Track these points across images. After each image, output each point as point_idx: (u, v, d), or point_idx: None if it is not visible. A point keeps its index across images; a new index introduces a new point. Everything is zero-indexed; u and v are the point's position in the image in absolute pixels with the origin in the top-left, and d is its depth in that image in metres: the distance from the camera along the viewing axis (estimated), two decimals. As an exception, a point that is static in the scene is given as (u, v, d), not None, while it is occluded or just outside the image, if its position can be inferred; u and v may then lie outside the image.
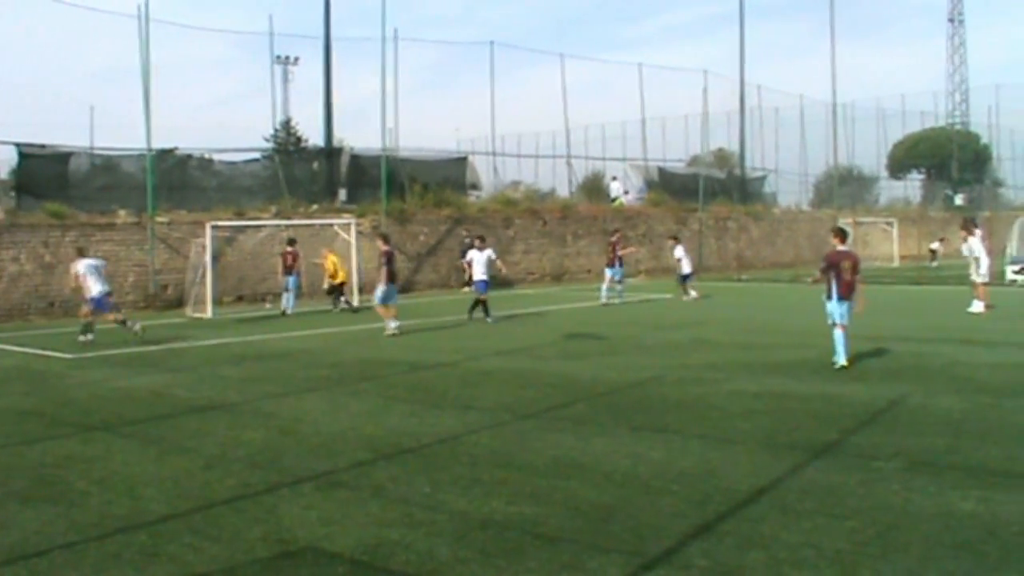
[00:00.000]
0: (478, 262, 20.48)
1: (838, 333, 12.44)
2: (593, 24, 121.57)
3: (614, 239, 25.71)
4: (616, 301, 24.33)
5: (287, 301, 23.83)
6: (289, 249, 24.40)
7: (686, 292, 25.81)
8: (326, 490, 7.08)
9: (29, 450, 8.69)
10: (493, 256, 20.91)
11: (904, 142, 65.63)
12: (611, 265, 24.71)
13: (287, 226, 26.88)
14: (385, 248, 18.53)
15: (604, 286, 24.63)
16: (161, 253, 25.55)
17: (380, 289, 18.09)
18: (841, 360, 12.34)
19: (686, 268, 26.44)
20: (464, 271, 26.37)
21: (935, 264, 42.23)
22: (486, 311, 19.96)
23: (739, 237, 42.53)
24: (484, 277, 20.37)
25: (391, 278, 18.01)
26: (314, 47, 34.41)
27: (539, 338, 17.03)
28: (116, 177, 27.93)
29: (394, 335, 17.46)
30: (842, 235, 13.07)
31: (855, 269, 12.56)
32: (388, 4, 53.66)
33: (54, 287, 23.70)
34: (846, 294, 12.45)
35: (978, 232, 21.53)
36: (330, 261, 24.12)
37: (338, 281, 24.14)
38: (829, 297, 12.50)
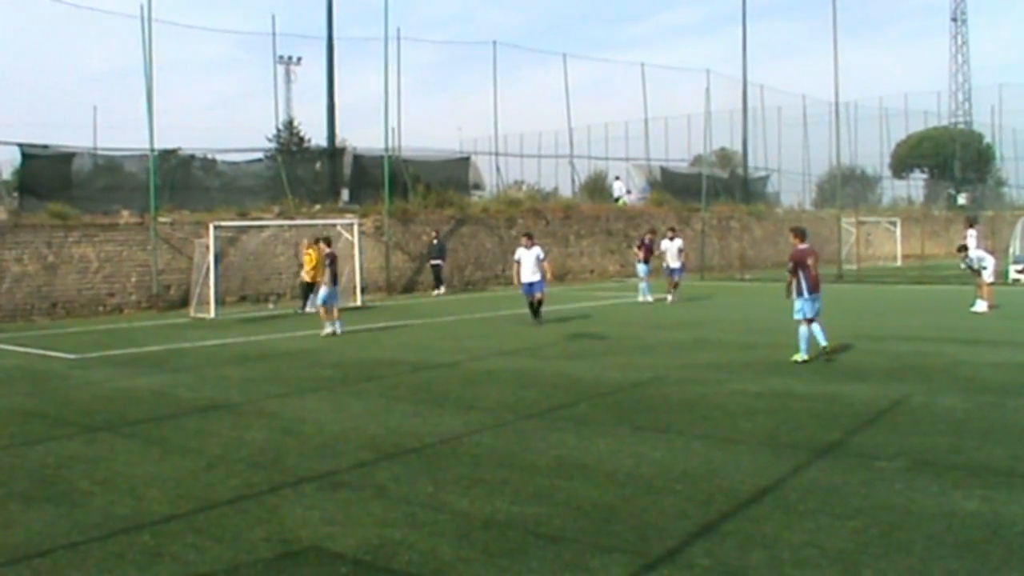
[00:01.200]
0: (526, 261, 19.08)
1: (804, 329, 13.10)
2: (595, 24, 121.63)
3: (647, 239, 26.07)
4: (641, 299, 24.74)
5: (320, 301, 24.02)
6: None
7: (672, 289, 24.85)
8: (329, 490, 7.08)
9: (32, 451, 8.71)
10: (541, 255, 19.25)
11: (907, 141, 65.55)
12: (646, 262, 25.20)
13: (290, 226, 26.92)
14: (328, 250, 18.92)
15: (644, 285, 25.02)
16: (164, 253, 25.59)
17: (323, 291, 18.31)
18: (803, 356, 13.02)
19: (674, 262, 25.17)
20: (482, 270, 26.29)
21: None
22: (535, 312, 19.13)
23: (742, 237, 42.51)
24: (534, 278, 19.03)
25: (334, 280, 18.24)
26: (317, 47, 34.51)
27: (541, 338, 17.02)
28: (119, 177, 27.99)
29: (331, 336, 17.68)
30: (801, 235, 13.79)
31: (817, 263, 13.45)
32: (390, 4, 53.89)
33: (57, 288, 23.75)
34: (815, 289, 13.16)
35: (971, 233, 21.40)
36: (310, 255, 23.18)
37: (311, 279, 22.75)
38: (800, 294, 13.16)
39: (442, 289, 30.03)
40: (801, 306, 13.14)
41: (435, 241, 30.62)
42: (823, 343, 13.12)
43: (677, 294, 24.91)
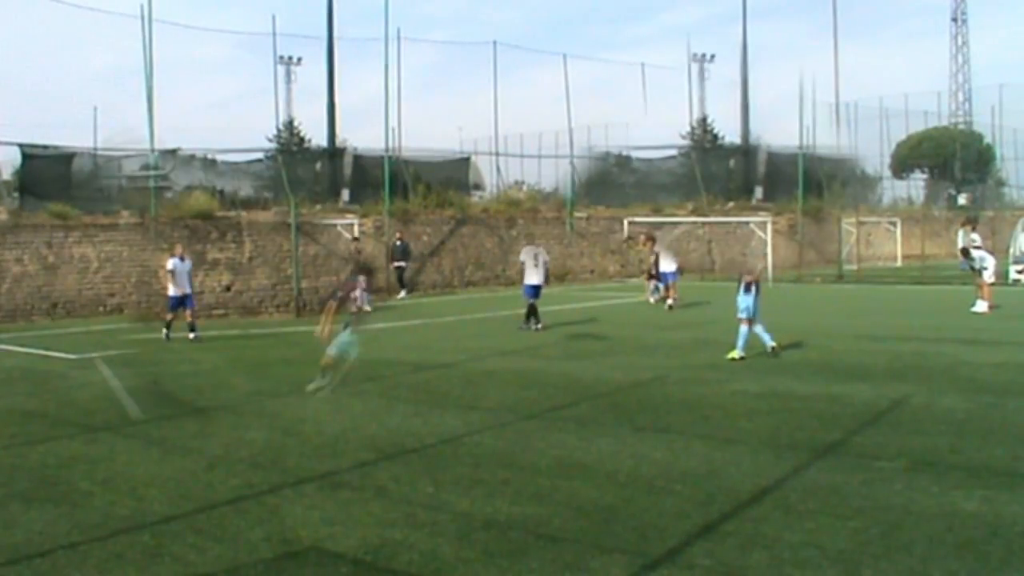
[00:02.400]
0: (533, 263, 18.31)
1: (759, 328, 13.60)
2: (595, 24, 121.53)
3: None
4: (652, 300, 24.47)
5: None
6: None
7: (667, 292, 23.02)
8: (329, 490, 7.08)
9: (32, 451, 8.70)
10: (546, 257, 18.47)
11: (907, 141, 65.42)
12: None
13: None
14: None
15: (652, 286, 24.74)
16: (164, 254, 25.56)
17: None
18: (740, 352, 13.40)
19: (670, 266, 23.34)
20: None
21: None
22: (535, 317, 18.10)
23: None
24: (537, 281, 18.15)
25: None
26: (317, 47, 34.59)
27: (542, 338, 17.02)
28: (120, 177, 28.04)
29: None
30: None
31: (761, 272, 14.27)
32: (391, 4, 53.83)
33: (57, 288, 23.74)
34: (759, 289, 13.85)
35: (961, 233, 21.29)
36: None
37: None
38: (748, 291, 13.66)
39: (403, 293, 28.64)
40: (747, 304, 13.59)
41: (398, 243, 29.30)
42: (771, 343, 13.56)
43: (677, 299, 22.97)
